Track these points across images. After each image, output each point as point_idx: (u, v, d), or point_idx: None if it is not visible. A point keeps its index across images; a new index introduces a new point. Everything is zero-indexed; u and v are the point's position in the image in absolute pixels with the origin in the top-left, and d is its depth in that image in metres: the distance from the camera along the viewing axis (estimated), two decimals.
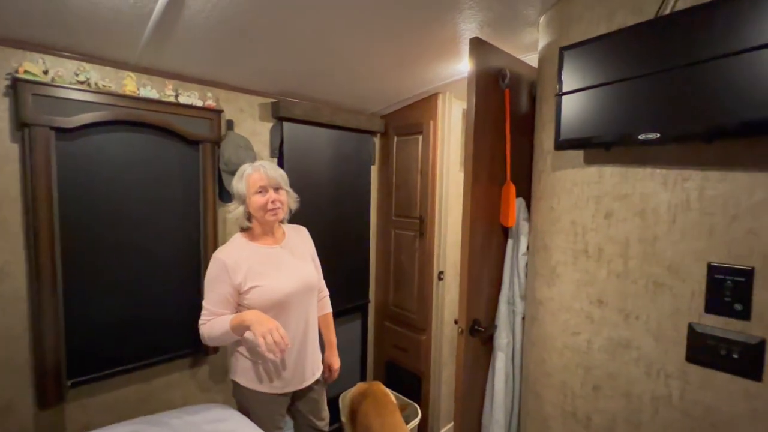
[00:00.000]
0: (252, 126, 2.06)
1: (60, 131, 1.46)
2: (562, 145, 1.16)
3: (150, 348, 1.75)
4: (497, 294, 1.60)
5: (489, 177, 1.51)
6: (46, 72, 1.42)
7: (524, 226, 1.55)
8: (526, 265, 1.53)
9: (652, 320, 1.05)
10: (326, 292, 1.71)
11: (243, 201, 1.40)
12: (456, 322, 1.53)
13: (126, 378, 1.73)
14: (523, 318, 1.56)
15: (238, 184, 1.40)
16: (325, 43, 1.61)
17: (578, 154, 1.21)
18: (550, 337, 1.32)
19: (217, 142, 1.85)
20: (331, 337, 1.70)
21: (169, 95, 1.69)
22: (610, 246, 1.14)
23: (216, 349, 1.97)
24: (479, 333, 1.52)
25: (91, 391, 1.65)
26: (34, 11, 1.25)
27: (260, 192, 1.36)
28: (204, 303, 1.35)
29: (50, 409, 1.55)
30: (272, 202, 1.37)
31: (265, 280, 1.36)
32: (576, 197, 1.22)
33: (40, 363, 1.48)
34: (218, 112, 1.84)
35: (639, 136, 0.99)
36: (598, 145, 1.11)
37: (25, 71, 1.36)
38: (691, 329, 0.98)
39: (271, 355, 1.21)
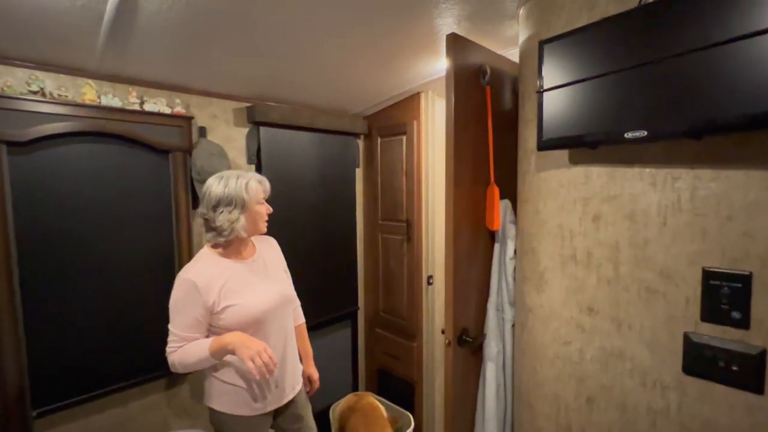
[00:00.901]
0: (226, 132, 1.97)
1: (12, 145, 1.36)
2: (545, 145, 1.09)
3: (123, 370, 1.66)
4: (485, 301, 1.54)
5: (472, 178, 1.44)
6: None
7: (511, 229, 1.48)
8: (515, 269, 1.46)
9: (646, 329, 0.99)
10: (298, 302, 1.60)
11: (243, 210, 1.26)
12: (443, 332, 1.46)
13: (99, 404, 1.64)
14: (513, 325, 1.49)
15: (241, 193, 1.26)
16: (295, 44, 1.53)
17: (563, 154, 1.14)
18: (540, 346, 1.26)
19: (188, 151, 1.76)
20: (308, 349, 1.62)
21: (134, 103, 1.60)
22: (600, 250, 1.07)
23: None
24: (468, 343, 1.46)
25: (60, 420, 1.56)
26: None
27: (262, 203, 1.33)
28: (171, 328, 1.23)
29: None
30: (267, 214, 1.36)
31: (241, 298, 1.27)
32: (562, 199, 1.16)
33: (2, 393, 1.39)
34: (188, 118, 1.75)
35: (626, 135, 0.92)
36: (584, 144, 1.04)
37: None
38: (687, 339, 0.92)
39: (259, 377, 1.16)
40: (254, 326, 1.28)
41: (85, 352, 1.56)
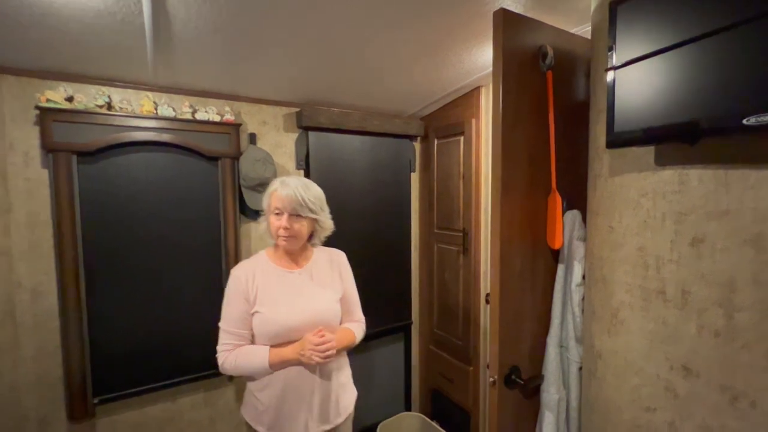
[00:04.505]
0: (276, 138, 1.97)
1: (81, 155, 1.50)
2: (617, 140, 0.81)
3: (174, 367, 1.74)
4: (544, 334, 1.25)
5: (528, 185, 1.18)
6: (70, 99, 1.47)
7: (579, 248, 1.18)
8: (583, 299, 1.16)
9: None
10: (359, 321, 1.41)
11: (267, 218, 1.27)
12: (488, 367, 1.22)
13: (151, 397, 1.73)
14: (581, 368, 1.18)
15: (265, 199, 1.27)
16: (341, 43, 1.45)
17: (647, 153, 0.84)
18: (614, 407, 0.95)
19: (236, 157, 1.79)
20: (343, 331, 1.31)
21: (186, 112, 1.66)
22: (703, 288, 0.76)
23: None
24: (519, 385, 1.19)
25: (118, 409, 1.68)
26: (45, 42, 1.28)
27: (276, 213, 1.21)
28: (221, 325, 1.21)
29: (81, 424, 1.60)
30: (284, 228, 1.19)
31: (269, 308, 1.20)
32: (645, 213, 0.85)
33: (69, 380, 1.53)
34: (236, 126, 1.78)
35: (745, 121, 0.62)
36: (677, 137, 0.74)
37: (47, 99, 1.41)
38: None
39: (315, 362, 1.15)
40: (276, 342, 1.20)
41: (140, 347, 1.66)
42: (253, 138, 1.88)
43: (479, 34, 1.43)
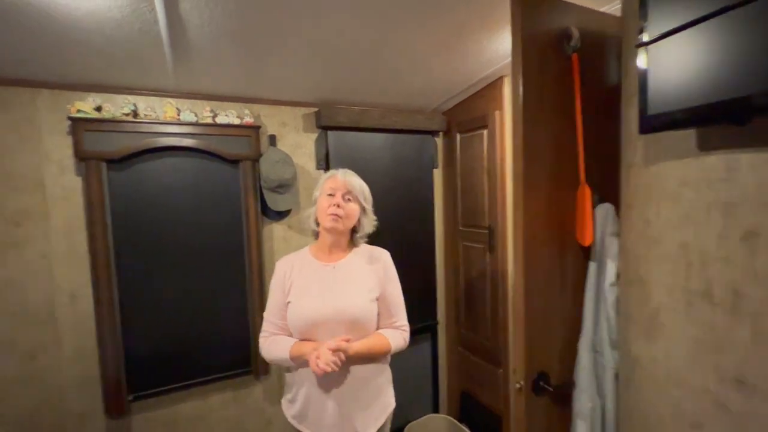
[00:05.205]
0: (295, 139, 1.98)
1: (110, 162, 1.56)
2: (652, 123, 0.73)
3: (203, 367, 1.79)
4: (575, 337, 1.17)
5: (553, 177, 1.10)
6: (98, 108, 1.53)
7: (612, 245, 1.08)
8: (618, 300, 1.06)
9: None
10: (401, 326, 1.30)
11: (314, 203, 1.29)
12: (514, 371, 1.15)
13: (182, 395, 1.79)
14: (617, 375, 1.09)
15: (319, 185, 1.29)
16: (356, 39, 1.42)
17: (686, 137, 0.75)
18: (655, 420, 0.86)
19: (256, 159, 1.80)
20: (366, 343, 1.20)
21: (207, 116, 1.70)
22: (757, 289, 0.66)
23: (267, 370, 1.93)
24: (548, 392, 1.12)
25: (152, 406, 1.74)
26: (73, 56, 1.33)
27: (329, 195, 1.23)
28: (264, 313, 1.27)
29: (117, 420, 1.68)
30: (335, 205, 1.20)
31: (298, 299, 1.20)
32: (688, 205, 0.76)
33: (105, 378, 1.60)
34: (256, 128, 1.79)
35: None
36: (724, 118, 0.65)
37: (78, 110, 1.48)
38: None
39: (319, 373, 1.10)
40: (304, 334, 1.19)
41: (170, 347, 1.71)
42: (273, 140, 1.89)
43: (499, 20, 1.36)
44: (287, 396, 1.28)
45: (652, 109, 0.72)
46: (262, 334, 1.27)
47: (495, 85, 1.91)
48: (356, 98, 2.01)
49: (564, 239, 1.14)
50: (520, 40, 1.00)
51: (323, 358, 1.07)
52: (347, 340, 1.13)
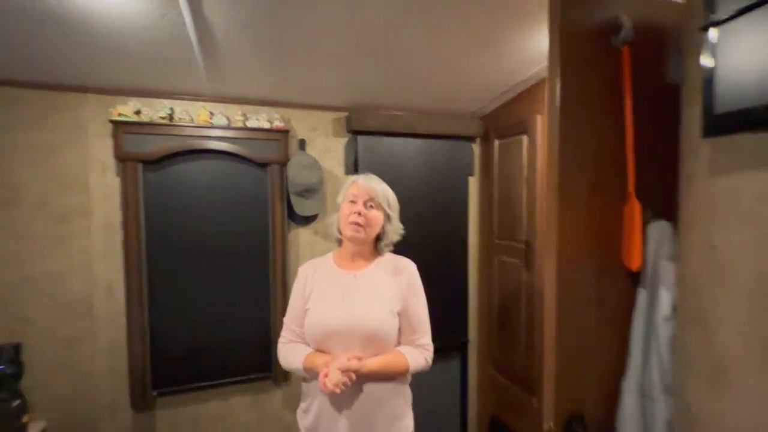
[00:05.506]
0: (325, 143, 1.95)
1: (146, 163, 1.62)
2: (720, 125, 0.58)
3: (224, 368, 1.80)
4: (617, 377, 1.00)
5: (595, 187, 0.96)
6: (138, 112, 1.60)
7: (668, 271, 0.91)
8: (673, 338, 0.89)
9: None
10: (424, 344, 1.19)
11: (339, 209, 1.23)
12: (535, 403, 1.01)
13: (204, 394, 1.80)
14: (671, 426, 0.91)
15: (342, 192, 1.24)
16: (383, 40, 1.39)
17: (763, 142, 0.59)
18: None
19: (284, 163, 1.80)
20: (381, 361, 1.11)
21: (238, 120, 1.72)
22: None
23: (287, 377, 1.90)
24: None
25: (176, 403, 1.77)
26: (114, 61, 1.40)
27: (351, 201, 1.17)
28: (285, 318, 1.22)
29: (143, 414, 1.73)
30: (356, 213, 1.13)
31: (316, 306, 1.15)
32: (766, 227, 0.60)
33: (132, 372, 1.65)
34: (285, 132, 1.79)
35: None
36: None
37: (119, 113, 1.55)
38: None
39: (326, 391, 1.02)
40: (319, 345, 1.13)
41: (194, 346, 1.74)
42: (302, 144, 1.88)
43: (540, 14, 1.23)
44: (302, 405, 1.22)
45: (721, 107, 0.57)
46: (280, 340, 1.22)
47: (537, 87, 1.76)
48: (388, 102, 1.95)
49: (607, 261, 0.98)
50: (557, 30, 0.88)
51: (331, 378, 1.00)
52: (359, 358, 1.05)
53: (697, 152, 0.73)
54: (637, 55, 0.93)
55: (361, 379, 1.06)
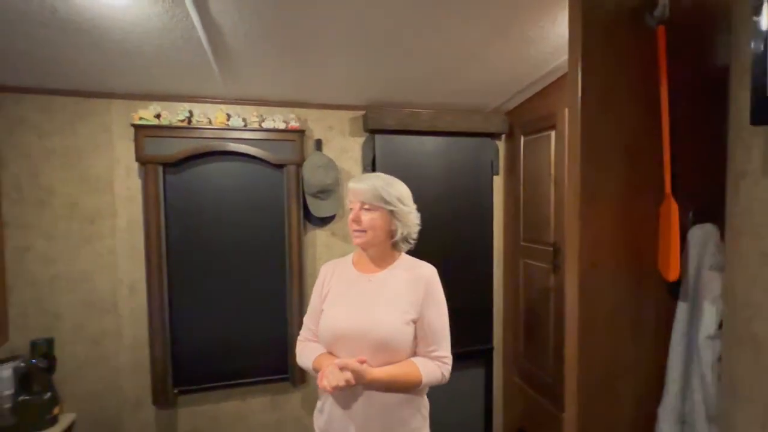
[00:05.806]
0: (341, 143, 1.92)
1: (167, 166, 1.65)
2: None
3: (243, 369, 1.81)
4: (655, 402, 0.88)
5: (625, 185, 0.85)
6: (158, 116, 1.63)
7: (713, 282, 0.79)
8: (719, 360, 0.77)
9: None
10: (441, 357, 1.10)
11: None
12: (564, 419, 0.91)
13: (224, 394, 1.82)
14: None
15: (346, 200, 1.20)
16: (399, 35, 1.33)
17: None
18: None
19: (300, 164, 1.78)
20: (390, 371, 1.04)
21: (254, 121, 1.72)
22: None
23: (304, 379, 1.88)
24: None
25: (196, 401, 1.80)
26: (134, 66, 1.43)
27: (350, 208, 1.10)
28: (305, 316, 1.21)
29: (165, 410, 1.77)
30: (353, 221, 1.08)
31: (330, 307, 1.12)
32: None
33: (154, 369, 1.69)
34: (300, 132, 1.77)
35: None
36: None
37: (140, 117, 1.59)
38: None
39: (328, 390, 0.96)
40: (329, 347, 1.10)
41: (213, 346, 1.76)
42: (318, 144, 1.86)
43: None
44: (318, 404, 1.19)
45: None
46: (299, 338, 1.21)
47: (565, 78, 1.62)
48: (405, 99, 1.88)
49: (640, 269, 0.87)
50: (579, 9, 0.79)
51: (328, 376, 0.95)
52: (362, 361, 1.00)
53: (749, 145, 0.62)
54: (675, 35, 0.82)
55: (368, 389, 1.01)
